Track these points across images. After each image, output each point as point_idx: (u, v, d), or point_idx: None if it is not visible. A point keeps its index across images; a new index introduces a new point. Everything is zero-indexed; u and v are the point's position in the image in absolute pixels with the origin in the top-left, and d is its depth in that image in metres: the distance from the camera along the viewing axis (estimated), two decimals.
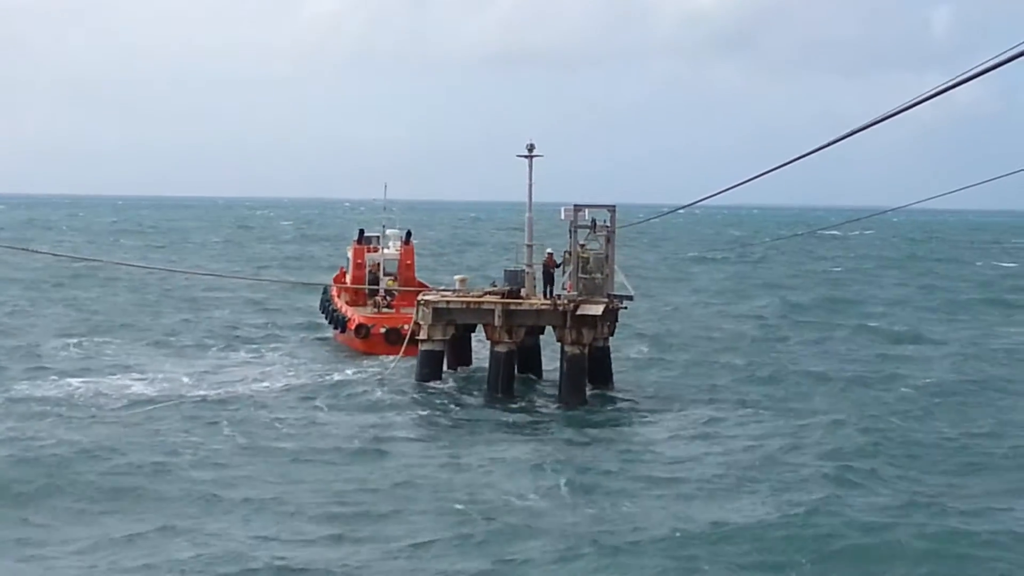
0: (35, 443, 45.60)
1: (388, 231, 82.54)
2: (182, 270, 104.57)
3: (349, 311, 74.84)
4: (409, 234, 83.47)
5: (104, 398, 55.79)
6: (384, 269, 78.81)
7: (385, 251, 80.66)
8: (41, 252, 69.02)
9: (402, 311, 73.42)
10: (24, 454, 43.79)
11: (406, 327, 64.03)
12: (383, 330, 69.95)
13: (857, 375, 65.68)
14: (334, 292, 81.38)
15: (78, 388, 58.06)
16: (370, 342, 70.68)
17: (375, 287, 76.72)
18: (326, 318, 79.51)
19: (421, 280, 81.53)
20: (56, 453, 43.99)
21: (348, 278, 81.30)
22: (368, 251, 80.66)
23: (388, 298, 76.42)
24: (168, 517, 36.59)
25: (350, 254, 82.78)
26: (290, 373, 64.51)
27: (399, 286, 77.15)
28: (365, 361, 67.69)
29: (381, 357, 67.19)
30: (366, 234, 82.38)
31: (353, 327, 71.89)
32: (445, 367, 60.67)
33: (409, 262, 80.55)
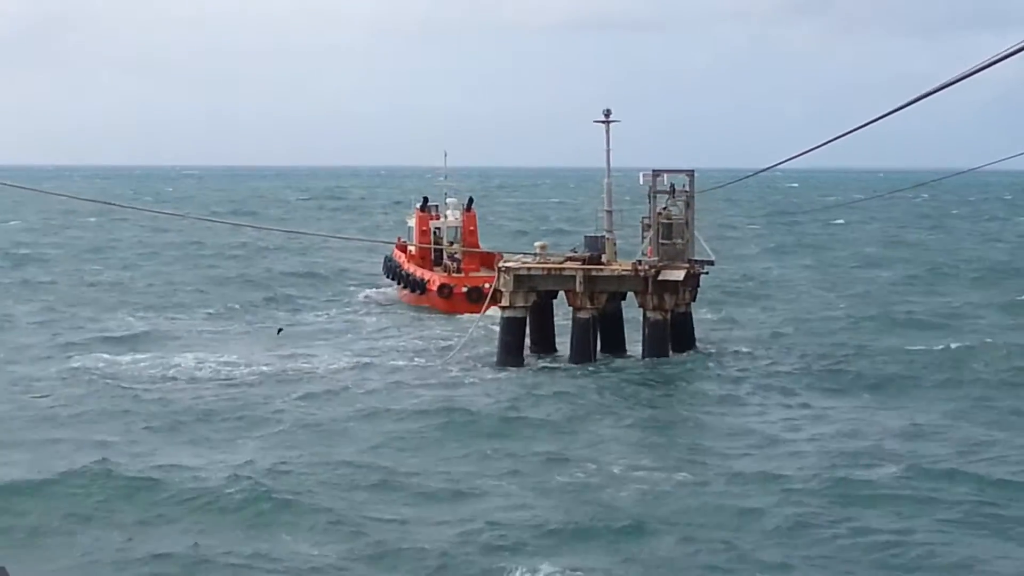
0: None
1: (448, 199, 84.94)
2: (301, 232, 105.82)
3: (427, 274, 77.99)
4: (471, 201, 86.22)
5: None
6: (447, 237, 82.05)
7: (448, 219, 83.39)
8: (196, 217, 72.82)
9: (470, 275, 76.83)
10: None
11: (487, 286, 65.65)
12: (465, 289, 73.73)
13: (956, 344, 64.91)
14: (401, 257, 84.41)
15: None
16: (452, 301, 74.12)
17: (439, 247, 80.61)
18: (392, 279, 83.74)
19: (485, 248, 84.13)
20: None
21: (412, 244, 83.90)
22: (431, 218, 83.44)
23: (455, 262, 79.46)
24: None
25: (410, 222, 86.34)
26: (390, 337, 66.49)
27: (455, 252, 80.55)
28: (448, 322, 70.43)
29: (464, 315, 69.77)
30: (430, 203, 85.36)
31: (435, 288, 74.87)
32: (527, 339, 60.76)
33: (472, 228, 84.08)
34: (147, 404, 48.35)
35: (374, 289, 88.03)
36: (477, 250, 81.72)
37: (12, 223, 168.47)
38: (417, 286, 77.92)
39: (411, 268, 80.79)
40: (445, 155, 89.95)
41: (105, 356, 59.40)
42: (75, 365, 57.07)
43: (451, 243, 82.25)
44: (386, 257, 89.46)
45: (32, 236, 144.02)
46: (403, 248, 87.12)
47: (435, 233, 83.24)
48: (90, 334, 66.67)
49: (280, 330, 64.27)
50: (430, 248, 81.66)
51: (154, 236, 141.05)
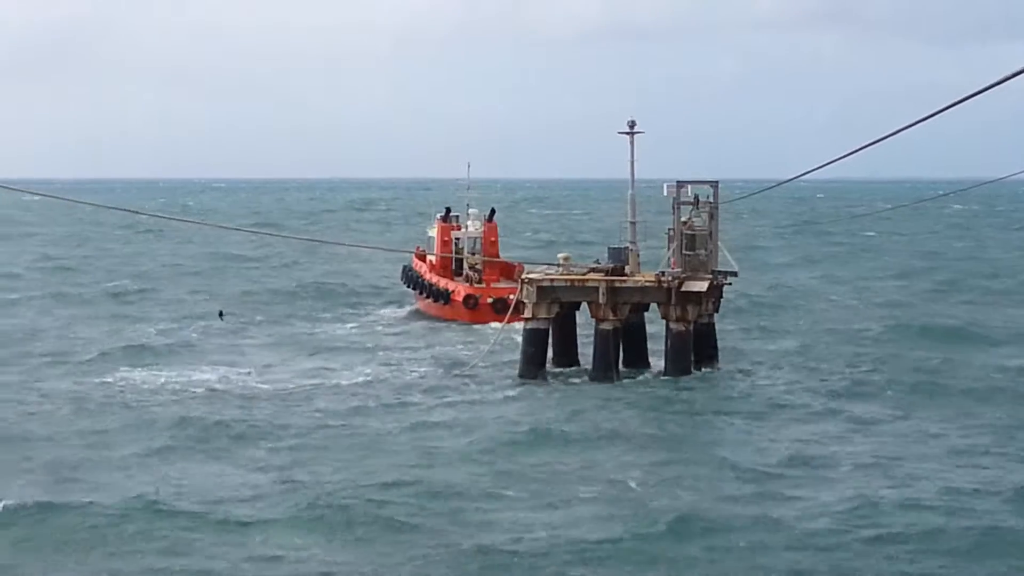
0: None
1: (469, 210, 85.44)
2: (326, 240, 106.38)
3: (451, 284, 78.55)
4: (493, 212, 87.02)
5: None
6: (468, 247, 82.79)
7: (469, 229, 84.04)
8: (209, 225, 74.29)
9: (492, 285, 77.80)
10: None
11: (511, 297, 65.33)
12: (490, 300, 74.51)
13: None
14: (422, 267, 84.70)
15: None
16: (478, 312, 74.84)
17: (459, 256, 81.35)
18: (412, 287, 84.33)
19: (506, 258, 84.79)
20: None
21: (432, 254, 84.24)
22: (453, 229, 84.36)
23: (476, 273, 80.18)
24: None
25: (431, 232, 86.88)
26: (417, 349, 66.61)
27: (482, 263, 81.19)
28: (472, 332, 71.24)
29: (490, 326, 70.30)
30: (452, 213, 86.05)
31: (460, 298, 75.59)
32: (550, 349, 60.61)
33: (493, 239, 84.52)
34: (168, 420, 47.95)
35: (395, 305, 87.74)
36: (497, 259, 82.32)
37: (43, 234, 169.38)
38: (441, 296, 78.26)
39: (434, 278, 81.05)
40: (468, 166, 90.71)
41: (128, 370, 59.41)
42: (105, 379, 57.00)
43: (472, 254, 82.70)
44: (405, 266, 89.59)
45: (61, 249, 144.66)
46: (422, 257, 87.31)
47: (456, 243, 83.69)
48: (116, 346, 66.70)
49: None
50: (451, 258, 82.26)
51: (181, 247, 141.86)
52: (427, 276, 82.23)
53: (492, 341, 62.37)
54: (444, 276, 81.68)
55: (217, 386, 55.26)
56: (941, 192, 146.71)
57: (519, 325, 60.36)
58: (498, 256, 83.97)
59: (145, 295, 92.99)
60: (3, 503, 35.70)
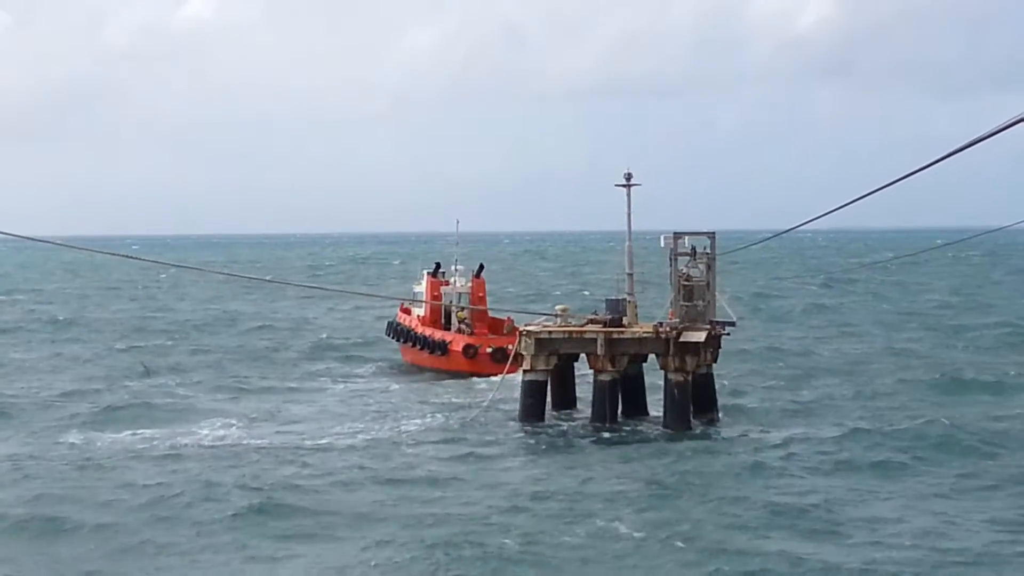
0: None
1: (457, 267, 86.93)
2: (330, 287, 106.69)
3: (447, 335, 79.76)
4: (481, 267, 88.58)
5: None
6: (455, 302, 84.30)
7: (458, 284, 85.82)
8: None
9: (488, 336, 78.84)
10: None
11: (510, 347, 66.47)
12: (489, 350, 75.36)
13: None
14: (410, 320, 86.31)
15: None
16: (477, 361, 75.69)
17: (449, 309, 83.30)
18: (400, 340, 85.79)
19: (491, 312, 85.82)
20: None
21: (423, 309, 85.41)
22: (442, 284, 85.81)
23: (467, 326, 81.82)
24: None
25: (418, 287, 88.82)
26: (423, 407, 65.90)
27: (470, 317, 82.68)
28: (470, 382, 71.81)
29: (489, 377, 70.62)
30: (441, 269, 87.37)
31: (459, 348, 76.57)
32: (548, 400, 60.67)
33: (481, 294, 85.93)
34: (150, 485, 46.70)
35: (383, 362, 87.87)
36: (483, 308, 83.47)
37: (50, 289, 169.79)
38: (437, 347, 78.91)
39: (427, 330, 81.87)
40: (457, 223, 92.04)
41: (113, 431, 58.47)
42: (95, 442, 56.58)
43: (461, 309, 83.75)
44: (390, 322, 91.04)
45: (70, 305, 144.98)
46: (407, 312, 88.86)
47: (445, 299, 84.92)
48: (115, 404, 66.78)
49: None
50: (440, 312, 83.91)
51: (177, 302, 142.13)
52: (419, 328, 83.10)
53: (492, 391, 62.45)
54: (429, 327, 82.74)
55: (216, 443, 55.10)
56: (941, 242, 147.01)
57: (517, 376, 60.58)
58: (486, 312, 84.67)
59: (148, 353, 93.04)
60: None
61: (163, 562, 36.69)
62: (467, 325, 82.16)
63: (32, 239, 36.25)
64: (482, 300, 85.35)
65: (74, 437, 56.73)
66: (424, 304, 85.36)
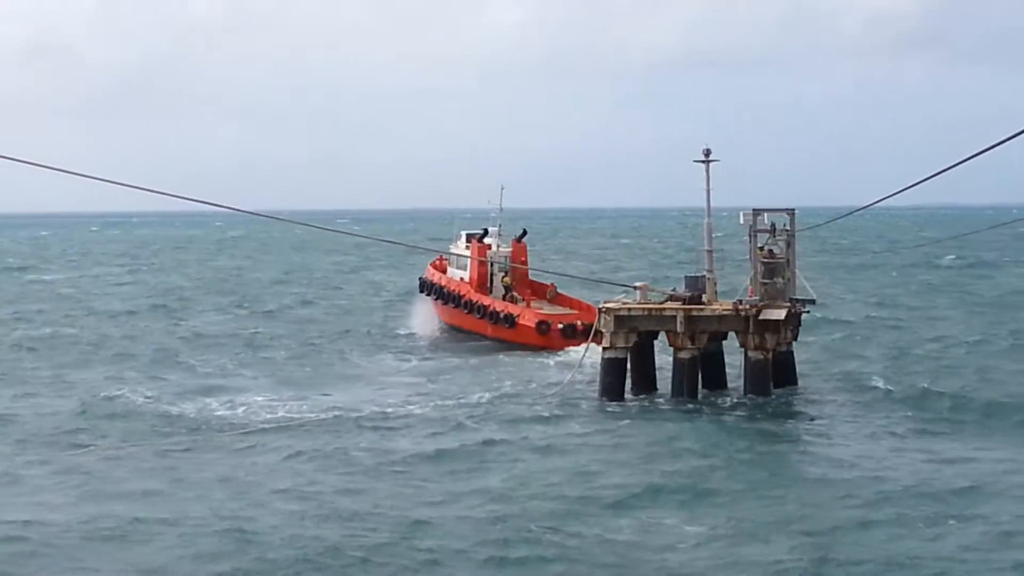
0: None
1: (490, 229, 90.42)
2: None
3: (515, 308, 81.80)
4: (524, 232, 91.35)
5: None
6: (498, 267, 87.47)
7: (499, 249, 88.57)
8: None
9: (533, 305, 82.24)
10: None
11: (580, 323, 73.35)
12: (561, 326, 77.06)
13: None
14: (452, 282, 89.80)
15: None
16: (549, 337, 77.19)
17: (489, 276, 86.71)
18: (437, 298, 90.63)
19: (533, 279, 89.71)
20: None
21: (469, 271, 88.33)
22: (486, 248, 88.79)
23: (509, 291, 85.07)
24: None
25: (454, 249, 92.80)
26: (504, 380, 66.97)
27: (513, 282, 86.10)
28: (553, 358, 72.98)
29: (566, 351, 73.11)
30: (479, 234, 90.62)
31: (533, 324, 78.31)
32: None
33: (523, 259, 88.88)
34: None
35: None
36: (523, 266, 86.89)
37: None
38: (505, 320, 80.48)
39: (484, 299, 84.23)
40: (502, 189, 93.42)
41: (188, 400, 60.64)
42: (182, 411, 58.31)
43: (505, 274, 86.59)
44: (421, 278, 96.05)
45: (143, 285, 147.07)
46: (440, 268, 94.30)
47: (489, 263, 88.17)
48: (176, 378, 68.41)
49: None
50: (487, 277, 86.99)
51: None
52: (475, 296, 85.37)
53: (575, 366, 63.30)
54: (480, 293, 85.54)
55: (321, 416, 56.03)
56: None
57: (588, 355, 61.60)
58: (527, 276, 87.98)
59: (201, 335, 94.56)
60: None
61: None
62: (509, 289, 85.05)
63: (254, 214, 37.18)
64: (524, 264, 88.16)
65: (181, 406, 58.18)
66: (468, 267, 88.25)
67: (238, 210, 50.09)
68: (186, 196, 41.82)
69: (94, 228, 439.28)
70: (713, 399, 58.41)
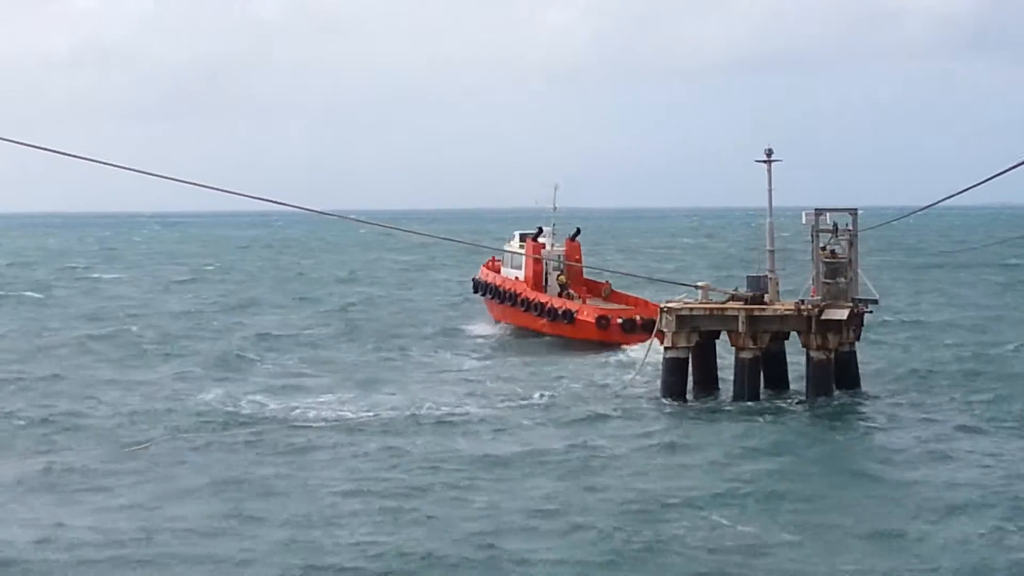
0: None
1: (545, 229, 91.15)
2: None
3: (574, 305, 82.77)
4: (577, 231, 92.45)
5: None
6: (552, 265, 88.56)
7: (553, 248, 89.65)
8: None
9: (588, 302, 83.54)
10: None
11: (639, 318, 75.78)
12: (620, 321, 77.99)
13: None
14: (507, 281, 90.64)
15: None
16: (608, 332, 78.05)
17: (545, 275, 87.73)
18: (493, 298, 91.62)
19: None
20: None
21: (524, 270, 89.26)
22: (540, 247, 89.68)
23: (565, 289, 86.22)
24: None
25: (507, 248, 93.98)
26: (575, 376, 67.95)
27: (566, 280, 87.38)
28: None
29: (631, 346, 73.62)
30: (533, 234, 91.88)
31: (593, 319, 79.15)
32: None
33: (577, 257, 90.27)
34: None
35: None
36: (577, 264, 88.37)
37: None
38: (564, 317, 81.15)
39: (546, 298, 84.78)
40: (555, 188, 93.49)
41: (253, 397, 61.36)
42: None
43: (560, 272, 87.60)
44: (475, 279, 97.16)
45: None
46: (494, 269, 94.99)
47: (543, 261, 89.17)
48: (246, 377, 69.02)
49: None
50: (543, 276, 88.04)
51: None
52: (527, 293, 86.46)
53: (638, 365, 63.74)
54: (536, 291, 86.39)
55: (383, 415, 56.36)
56: None
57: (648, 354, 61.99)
58: (582, 274, 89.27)
59: (266, 335, 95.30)
60: None
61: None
62: (564, 287, 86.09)
63: (321, 212, 37.59)
64: (578, 263, 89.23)
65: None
66: (523, 266, 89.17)
67: (307, 209, 50.59)
68: (258, 196, 42.21)
69: (155, 227, 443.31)
70: (775, 399, 58.21)
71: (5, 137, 33.68)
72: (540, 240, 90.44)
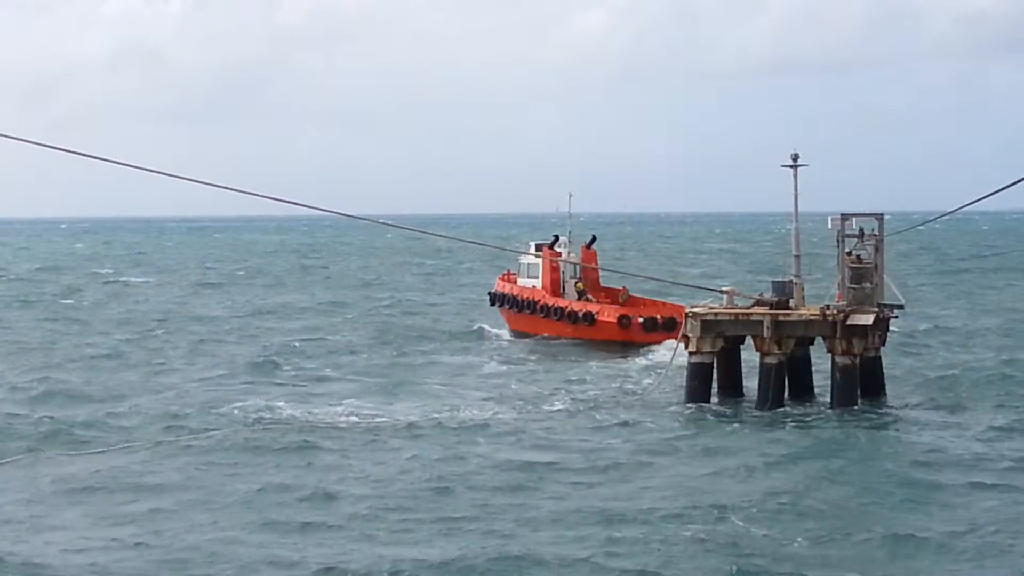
0: None
1: (561, 238, 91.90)
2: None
3: (593, 306, 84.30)
4: (593, 239, 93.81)
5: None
6: (568, 272, 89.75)
7: (569, 256, 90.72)
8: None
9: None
10: None
11: (660, 316, 78.37)
12: (641, 320, 79.81)
13: None
14: (523, 290, 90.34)
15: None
16: (630, 331, 79.66)
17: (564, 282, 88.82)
18: (511, 308, 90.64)
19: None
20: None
21: (541, 278, 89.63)
22: (557, 255, 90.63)
23: (583, 296, 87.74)
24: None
25: (523, 259, 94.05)
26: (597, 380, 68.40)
27: (584, 287, 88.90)
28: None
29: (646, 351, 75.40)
30: (548, 243, 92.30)
31: (614, 319, 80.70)
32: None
33: (593, 265, 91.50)
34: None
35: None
36: (593, 270, 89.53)
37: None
38: (585, 319, 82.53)
39: (559, 301, 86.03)
40: (570, 196, 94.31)
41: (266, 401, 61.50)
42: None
43: (577, 279, 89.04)
44: (491, 292, 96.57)
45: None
46: (510, 280, 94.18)
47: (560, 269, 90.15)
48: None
49: None
50: (560, 283, 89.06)
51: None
52: (545, 299, 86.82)
53: (664, 370, 63.61)
54: (554, 297, 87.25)
55: (408, 419, 56.30)
56: None
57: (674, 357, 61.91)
58: (598, 281, 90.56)
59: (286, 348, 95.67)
60: None
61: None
62: (582, 293, 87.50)
63: (353, 217, 38.00)
64: (595, 271, 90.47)
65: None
66: (540, 275, 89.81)
67: (339, 213, 50.81)
68: (294, 201, 42.60)
69: (181, 231, 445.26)
70: (801, 405, 58.09)
71: (20, 138, 33.95)
72: (556, 248, 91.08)
